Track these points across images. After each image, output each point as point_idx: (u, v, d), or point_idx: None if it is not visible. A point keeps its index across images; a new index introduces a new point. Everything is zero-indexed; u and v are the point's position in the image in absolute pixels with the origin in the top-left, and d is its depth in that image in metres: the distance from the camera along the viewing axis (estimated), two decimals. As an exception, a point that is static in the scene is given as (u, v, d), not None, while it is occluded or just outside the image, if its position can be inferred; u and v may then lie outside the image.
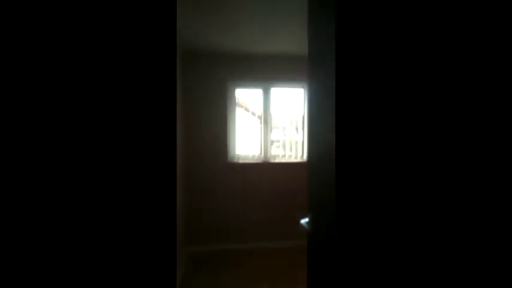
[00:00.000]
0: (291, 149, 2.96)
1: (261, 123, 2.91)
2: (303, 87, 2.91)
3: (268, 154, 2.90)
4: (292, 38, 2.26)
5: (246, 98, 3.00)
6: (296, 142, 2.96)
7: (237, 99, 2.89)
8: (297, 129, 2.96)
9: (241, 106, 2.95)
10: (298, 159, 2.92)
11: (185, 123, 2.69)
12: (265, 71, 2.81)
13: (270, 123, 2.91)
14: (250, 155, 2.91)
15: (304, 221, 1.10)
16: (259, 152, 2.92)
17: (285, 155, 2.94)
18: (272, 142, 2.91)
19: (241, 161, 2.85)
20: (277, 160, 2.91)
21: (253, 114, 2.98)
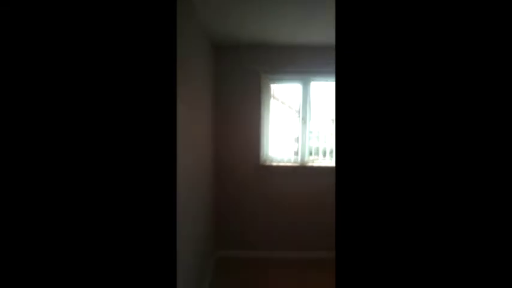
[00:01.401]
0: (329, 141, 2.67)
1: (298, 118, 2.62)
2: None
3: (306, 158, 2.63)
4: (331, 27, 1.92)
5: (283, 91, 2.70)
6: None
7: (272, 90, 2.62)
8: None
9: (276, 99, 2.69)
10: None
11: (216, 121, 2.54)
12: (305, 64, 2.45)
13: (309, 122, 2.60)
14: (286, 159, 2.66)
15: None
16: (294, 155, 2.66)
17: (325, 150, 2.66)
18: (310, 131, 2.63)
19: (274, 164, 2.62)
20: (316, 164, 2.62)
21: (290, 107, 2.71)
